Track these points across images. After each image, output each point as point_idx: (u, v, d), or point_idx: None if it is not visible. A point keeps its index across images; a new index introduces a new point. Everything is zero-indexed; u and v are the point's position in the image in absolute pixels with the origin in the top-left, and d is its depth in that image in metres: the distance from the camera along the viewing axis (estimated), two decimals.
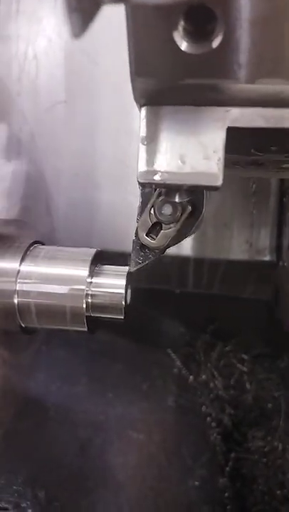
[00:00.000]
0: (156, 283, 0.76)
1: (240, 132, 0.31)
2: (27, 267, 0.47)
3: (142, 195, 0.40)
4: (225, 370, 0.78)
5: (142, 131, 0.31)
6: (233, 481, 0.69)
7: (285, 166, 0.42)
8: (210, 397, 0.75)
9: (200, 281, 0.76)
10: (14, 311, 0.46)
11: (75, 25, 0.20)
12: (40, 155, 0.65)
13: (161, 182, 0.32)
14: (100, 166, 0.69)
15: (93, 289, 0.46)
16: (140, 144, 0.31)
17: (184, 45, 0.26)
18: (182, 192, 0.36)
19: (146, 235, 0.40)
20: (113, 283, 0.46)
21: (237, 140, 0.32)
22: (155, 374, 0.77)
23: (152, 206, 0.39)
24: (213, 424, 0.73)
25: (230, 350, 0.79)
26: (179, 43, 0.26)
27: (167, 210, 0.39)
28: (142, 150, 0.31)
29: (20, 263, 0.47)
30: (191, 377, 0.77)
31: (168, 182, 0.32)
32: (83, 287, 0.45)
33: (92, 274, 0.47)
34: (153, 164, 0.31)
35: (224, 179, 0.31)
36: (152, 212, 0.39)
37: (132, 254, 0.42)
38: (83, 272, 0.46)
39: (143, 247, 0.41)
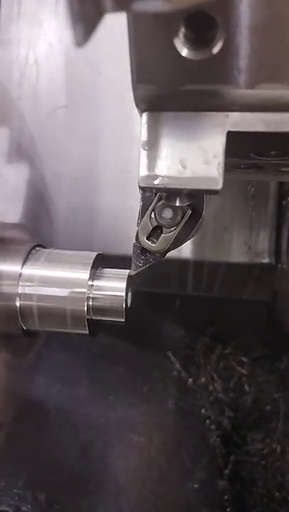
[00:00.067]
0: (156, 286, 0.76)
1: (240, 137, 0.32)
2: (29, 270, 0.47)
3: (143, 199, 0.40)
4: (224, 372, 0.78)
5: (143, 137, 0.32)
6: (233, 483, 0.69)
7: (284, 169, 0.42)
8: (209, 400, 0.75)
9: (200, 284, 0.76)
10: (16, 313, 0.46)
11: (78, 34, 0.20)
12: (40, 159, 0.65)
13: (162, 186, 0.32)
14: (101, 171, 0.69)
15: (94, 292, 0.46)
16: (141, 149, 0.32)
17: (184, 52, 0.27)
18: (182, 196, 0.36)
19: (146, 239, 0.41)
20: (114, 286, 0.47)
21: (237, 144, 0.33)
22: (155, 377, 0.77)
23: (153, 210, 0.40)
24: (213, 426, 0.73)
25: (230, 352, 0.79)
26: (179, 50, 0.27)
27: (168, 214, 0.39)
28: (143, 155, 0.32)
29: (22, 266, 0.47)
30: (190, 379, 0.77)
31: (168, 186, 0.32)
32: (84, 290, 0.46)
33: (93, 277, 0.47)
34: (154, 169, 0.32)
35: (224, 183, 0.32)
36: (153, 216, 0.40)
37: (132, 258, 0.42)
38: (84, 275, 0.46)
39: (144, 250, 0.42)
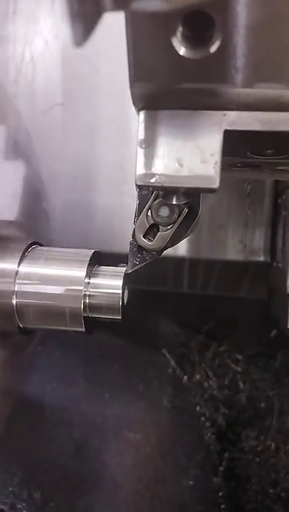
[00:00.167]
0: (152, 284, 0.76)
1: (236, 136, 0.32)
2: (25, 268, 0.47)
3: (140, 197, 0.40)
4: (219, 370, 0.78)
5: (140, 135, 0.32)
6: (227, 480, 0.69)
7: (280, 168, 0.42)
8: (204, 397, 0.76)
9: (195, 282, 0.76)
10: (12, 311, 0.46)
11: (77, 34, 0.20)
12: (37, 157, 0.65)
13: (159, 185, 0.32)
14: (97, 168, 0.69)
15: (91, 290, 0.46)
16: (138, 148, 0.32)
17: (182, 50, 0.27)
18: (179, 194, 0.36)
19: (143, 237, 0.41)
20: (110, 284, 0.47)
21: (234, 143, 0.33)
22: (151, 375, 0.78)
23: (149, 208, 0.40)
24: (208, 424, 0.73)
25: (225, 350, 0.80)
26: (177, 48, 0.27)
27: (164, 212, 0.39)
28: (140, 153, 0.32)
29: (19, 264, 0.47)
30: (185, 377, 0.77)
31: (165, 185, 0.32)
32: (81, 288, 0.46)
33: (89, 275, 0.47)
34: (151, 167, 0.32)
35: (221, 181, 0.32)
36: (149, 214, 0.40)
37: (129, 256, 0.42)
38: (81, 272, 0.46)
39: (140, 248, 0.42)
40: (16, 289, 0.46)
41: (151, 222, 0.40)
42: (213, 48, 0.27)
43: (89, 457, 0.69)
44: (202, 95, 0.30)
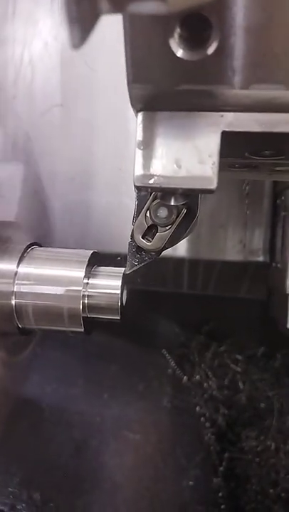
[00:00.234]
0: (152, 284, 0.76)
1: (234, 137, 0.32)
2: (24, 269, 0.47)
3: (138, 198, 0.41)
4: (219, 370, 0.78)
5: (138, 136, 0.32)
6: (227, 480, 0.69)
7: (278, 168, 0.43)
8: (204, 398, 0.76)
9: (195, 282, 0.77)
10: (11, 312, 0.47)
11: (74, 37, 0.20)
12: (36, 158, 0.65)
13: (157, 186, 0.32)
14: (96, 169, 0.69)
15: (89, 290, 0.47)
16: (136, 149, 0.32)
17: (179, 52, 0.27)
18: (177, 195, 0.36)
19: (142, 238, 0.41)
20: (109, 284, 0.47)
21: (231, 144, 0.33)
22: (151, 375, 0.78)
23: (148, 209, 0.40)
24: (208, 424, 0.73)
25: (225, 350, 0.80)
26: (174, 50, 0.27)
27: (163, 213, 0.39)
28: (138, 154, 0.32)
29: (18, 265, 0.47)
30: (185, 377, 0.77)
31: (164, 186, 0.32)
32: (80, 288, 0.46)
33: (88, 276, 0.47)
34: (149, 168, 0.32)
35: (218, 182, 0.32)
36: (148, 215, 0.40)
37: (128, 257, 0.43)
38: (79, 273, 0.47)
39: (139, 249, 0.42)
40: (15, 290, 0.47)
41: (150, 222, 0.40)
42: (210, 50, 0.27)
43: (88, 458, 0.69)
44: (200, 96, 0.30)
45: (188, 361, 0.80)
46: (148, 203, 0.40)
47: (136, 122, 0.32)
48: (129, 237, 0.42)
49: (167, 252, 0.43)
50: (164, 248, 0.41)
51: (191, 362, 0.79)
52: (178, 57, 0.27)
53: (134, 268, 0.43)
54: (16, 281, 0.47)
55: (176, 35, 0.26)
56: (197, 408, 0.75)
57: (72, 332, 0.47)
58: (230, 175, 0.45)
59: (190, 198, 0.37)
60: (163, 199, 0.38)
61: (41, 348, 0.70)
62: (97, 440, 0.70)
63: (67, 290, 0.46)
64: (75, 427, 0.71)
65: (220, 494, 0.68)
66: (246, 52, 0.27)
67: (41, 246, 0.52)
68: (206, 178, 0.31)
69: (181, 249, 0.71)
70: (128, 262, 0.43)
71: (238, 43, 0.27)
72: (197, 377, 0.78)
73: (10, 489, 0.63)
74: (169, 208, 0.39)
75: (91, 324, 0.48)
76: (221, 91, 0.29)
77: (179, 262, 0.74)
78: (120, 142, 0.68)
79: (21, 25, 0.69)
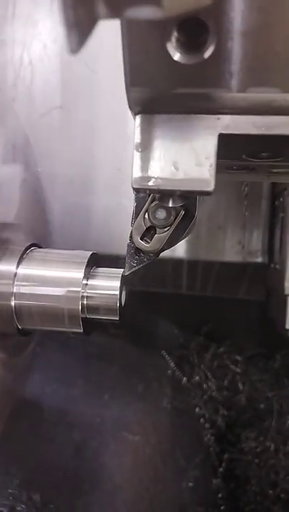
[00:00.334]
0: (151, 285, 0.76)
1: (231, 139, 0.32)
2: (24, 270, 0.48)
3: (136, 200, 0.41)
4: (218, 371, 0.79)
5: (137, 139, 0.32)
6: (227, 481, 0.69)
7: (275, 170, 0.43)
8: (204, 399, 0.76)
9: (194, 284, 0.77)
10: (11, 313, 0.47)
11: (72, 41, 0.20)
12: (35, 160, 0.65)
13: (155, 188, 0.33)
14: (95, 171, 0.70)
15: (88, 291, 0.47)
16: (134, 151, 0.32)
17: (176, 56, 0.27)
18: (175, 197, 0.37)
19: (140, 239, 0.41)
20: (108, 285, 0.47)
21: (229, 146, 0.33)
22: (150, 376, 0.78)
23: (146, 211, 0.40)
24: (207, 425, 0.73)
25: (224, 351, 0.80)
26: (172, 54, 0.27)
27: (161, 214, 0.40)
28: (137, 157, 0.32)
29: (17, 266, 0.48)
30: (184, 378, 0.77)
31: (161, 188, 0.32)
32: (79, 289, 0.46)
33: (87, 277, 0.47)
34: (147, 170, 0.32)
35: (217, 184, 0.32)
36: (146, 216, 0.40)
37: (126, 258, 0.43)
38: (78, 274, 0.47)
39: (137, 250, 0.42)
40: (14, 291, 0.47)
41: (149, 224, 0.41)
42: (207, 54, 0.27)
43: (88, 459, 0.69)
44: (197, 100, 0.30)
45: (188, 362, 0.80)
46: (146, 204, 0.40)
47: (134, 125, 0.33)
48: (128, 238, 0.42)
49: (166, 253, 0.43)
50: (163, 249, 0.42)
51: (190, 363, 0.79)
52: (175, 61, 0.27)
53: (133, 269, 0.43)
54: (16, 283, 0.47)
55: (173, 39, 0.27)
56: (197, 409, 0.75)
57: (72, 333, 0.48)
58: (228, 177, 0.46)
59: (188, 199, 0.38)
60: (161, 201, 0.38)
61: (41, 349, 0.71)
62: (96, 441, 0.70)
63: (67, 291, 0.46)
64: (74, 428, 0.71)
65: (219, 495, 0.68)
66: (243, 56, 0.28)
67: (41, 247, 0.52)
68: (203, 180, 0.32)
69: (180, 250, 0.71)
70: (127, 264, 0.43)
71: (235, 47, 0.27)
72: (196, 378, 0.78)
73: (10, 490, 0.63)
74: (167, 209, 0.40)
75: (90, 325, 0.48)
76: (218, 94, 0.29)
77: (177, 263, 0.74)
78: (120, 144, 0.68)
79: (21, 26, 0.69)
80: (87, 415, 0.73)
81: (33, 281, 0.47)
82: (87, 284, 0.47)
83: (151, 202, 0.40)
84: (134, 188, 0.33)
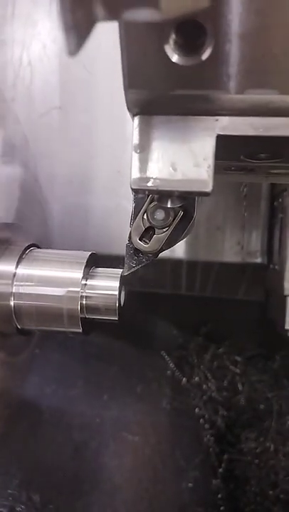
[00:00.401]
0: (150, 286, 0.77)
1: (229, 140, 0.32)
2: (23, 270, 0.48)
3: (135, 200, 0.41)
4: (218, 372, 0.79)
5: (135, 140, 0.33)
6: (227, 482, 0.69)
7: (273, 171, 0.43)
8: (203, 399, 0.76)
9: (193, 284, 0.77)
10: (10, 313, 0.47)
11: (70, 43, 0.21)
12: (34, 160, 0.66)
13: (154, 188, 0.33)
14: (95, 171, 0.70)
15: (88, 291, 0.47)
16: (133, 152, 0.33)
17: (174, 58, 0.27)
18: (174, 198, 0.37)
19: (139, 240, 0.41)
20: (107, 285, 0.47)
21: (227, 147, 0.33)
22: (150, 377, 0.78)
23: (145, 211, 0.40)
24: (207, 425, 0.74)
25: (223, 352, 0.80)
26: (170, 56, 0.27)
27: (160, 215, 0.40)
28: (135, 158, 0.33)
29: (17, 266, 0.48)
30: (184, 379, 0.78)
31: (160, 188, 0.33)
32: (78, 289, 0.46)
33: (86, 277, 0.48)
34: (145, 171, 0.32)
35: (215, 184, 0.32)
36: (145, 217, 0.41)
37: (125, 258, 0.43)
38: (78, 274, 0.47)
39: (136, 251, 0.42)
40: (13, 291, 0.47)
41: (147, 225, 0.41)
42: (204, 56, 0.27)
43: (88, 459, 0.69)
44: (195, 101, 0.30)
45: (187, 363, 0.80)
46: (145, 205, 0.40)
47: (132, 126, 0.33)
48: (127, 239, 0.42)
49: (165, 254, 0.43)
50: (161, 250, 0.42)
51: (189, 363, 0.80)
52: (173, 63, 0.27)
53: (132, 270, 0.43)
54: (15, 283, 0.47)
55: (171, 42, 0.27)
56: (196, 410, 0.75)
57: (71, 333, 0.48)
58: (227, 177, 0.46)
59: (186, 200, 0.38)
60: (160, 201, 0.38)
61: (40, 350, 0.71)
62: (96, 441, 0.70)
63: (66, 291, 0.46)
64: (74, 429, 0.71)
65: (219, 496, 0.68)
66: (241, 58, 0.28)
67: (40, 247, 0.52)
68: (201, 181, 0.32)
69: (179, 250, 0.71)
70: (126, 264, 0.43)
71: (233, 49, 0.27)
72: (196, 378, 0.78)
73: (9, 491, 0.63)
74: (166, 210, 0.40)
75: (89, 325, 0.48)
76: (216, 96, 0.30)
77: (177, 263, 0.74)
78: (118, 145, 0.68)
79: (20, 26, 0.69)
80: (86, 416, 0.73)
81: (33, 282, 0.47)
82: (86, 284, 0.47)
83: (150, 203, 0.40)
84: (132, 189, 0.33)
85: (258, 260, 0.72)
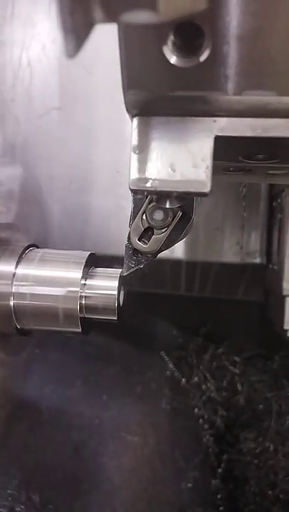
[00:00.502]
0: (149, 286, 0.77)
1: (227, 141, 0.33)
2: (22, 270, 0.48)
3: (134, 201, 0.41)
4: (217, 372, 0.79)
5: (134, 141, 0.33)
6: (226, 482, 0.69)
7: (272, 172, 0.43)
8: (202, 399, 0.76)
9: (192, 284, 0.77)
10: (10, 312, 0.47)
11: (69, 45, 0.21)
12: (34, 161, 0.66)
13: (152, 189, 0.33)
14: (94, 172, 0.70)
15: (87, 291, 0.47)
16: (132, 153, 0.33)
17: (173, 59, 0.28)
18: (173, 198, 0.37)
19: (138, 240, 0.42)
20: (106, 285, 0.47)
21: (225, 148, 0.34)
22: (149, 377, 0.78)
23: (144, 212, 0.41)
24: (206, 426, 0.74)
25: (223, 352, 0.80)
26: (168, 57, 0.28)
27: (158, 215, 0.40)
28: (134, 158, 0.33)
29: (16, 266, 0.48)
30: (183, 379, 0.78)
31: (159, 189, 0.33)
32: (77, 289, 0.46)
33: (85, 277, 0.48)
34: (144, 172, 0.33)
35: (214, 185, 0.33)
36: (144, 217, 0.41)
37: (124, 259, 0.43)
38: (77, 274, 0.47)
39: (135, 251, 0.42)
40: (13, 291, 0.47)
41: (146, 225, 0.41)
42: (203, 57, 0.27)
43: (87, 459, 0.69)
44: (193, 102, 0.30)
45: (187, 363, 0.80)
46: (144, 206, 0.40)
47: (131, 127, 0.33)
48: (126, 239, 0.43)
49: (164, 254, 0.43)
50: (160, 250, 0.42)
51: (189, 364, 0.80)
52: (171, 64, 0.28)
53: (131, 270, 0.43)
54: (15, 283, 0.47)
55: (169, 43, 0.27)
56: (195, 410, 0.75)
57: (70, 332, 0.48)
58: (226, 178, 0.46)
59: (185, 200, 0.38)
60: (158, 202, 0.39)
61: (40, 349, 0.71)
62: (95, 442, 0.70)
63: (65, 291, 0.46)
64: (73, 429, 0.71)
65: (218, 496, 0.68)
66: (239, 60, 0.28)
67: (39, 247, 0.53)
68: (199, 182, 0.32)
69: (178, 251, 0.72)
70: (125, 264, 0.43)
71: (231, 51, 0.28)
72: (195, 379, 0.78)
73: (9, 491, 0.63)
74: (165, 210, 0.40)
75: (88, 325, 0.48)
76: (214, 97, 0.30)
77: (176, 263, 0.74)
78: (118, 145, 0.68)
79: (20, 26, 0.69)
80: (85, 416, 0.73)
81: (32, 281, 0.47)
82: (85, 284, 0.47)
83: (149, 203, 0.40)
84: (131, 190, 0.34)
85: (257, 260, 0.72)
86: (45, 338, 0.68)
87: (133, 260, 0.43)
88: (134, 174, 0.33)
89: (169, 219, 0.40)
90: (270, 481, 0.69)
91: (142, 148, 0.32)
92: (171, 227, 0.40)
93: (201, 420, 0.74)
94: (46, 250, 0.51)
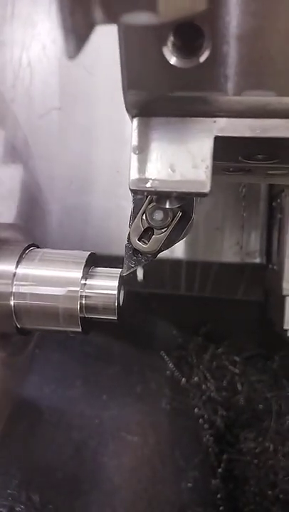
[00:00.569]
0: (149, 286, 0.77)
1: (227, 141, 0.33)
2: (23, 270, 0.48)
3: (134, 201, 0.41)
4: (217, 372, 0.79)
5: (134, 141, 0.33)
6: (226, 482, 0.70)
7: (271, 172, 0.43)
8: (202, 399, 0.76)
9: (192, 284, 0.77)
10: (10, 312, 0.47)
11: (69, 46, 0.21)
12: (34, 161, 0.66)
13: (152, 189, 0.33)
14: (94, 172, 0.70)
15: (87, 291, 0.47)
16: (132, 153, 0.33)
17: (173, 60, 0.28)
18: (172, 199, 0.37)
19: (138, 240, 0.42)
20: (106, 285, 0.47)
21: (225, 149, 0.34)
22: (149, 377, 0.78)
23: (144, 212, 0.41)
24: (206, 425, 0.74)
25: (223, 352, 0.80)
26: (168, 58, 0.28)
27: (158, 215, 0.40)
28: (134, 159, 0.33)
29: (17, 266, 0.48)
30: (183, 379, 0.78)
31: (158, 189, 0.33)
32: (77, 289, 0.46)
33: (85, 276, 0.48)
34: (144, 172, 0.33)
35: (214, 185, 0.33)
36: (144, 217, 0.41)
37: (124, 259, 0.43)
38: (77, 273, 0.47)
39: (135, 251, 0.43)
40: (13, 291, 0.47)
41: (146, 225, 0.41)
42: (202, 58, 0.27)
43: (87, 459, 0.69)
44: (193, 103, 0.30)
45: (187, 363, 0.80)
46: (144, 206, 0.41)
47: (131, 127, 0.33)
48: (126, 239, 0.43)
49: (164, 254, 0.43)
50: (160, 250, 0.42)
51: (189, 364, 0.80)
52: (171, 65, 0.28)
53: (131, 270, 0.43)
54: (15, 282, 0.47)
55: (169, 44, 0.27)
56: (195, 410, 0.75)
57: (70, 332, 0.48)
58: (226, 178, 0.46)
59: (185, 201, 0.38)
60: (158, 202, 0.39)
61: (40, 349, 0.71)
62: (95, 441, 0.71)
63: (65, 291, 0.46)
64: (73, 429, 0.71)
65: (218, 496, 0.68)
66: (238, 60, 0.28)
67: (39, 247, 0.53)
68: (199, 182, 0.32)
69: (178, 251, 0.72)
70: (125, 264, 0.43)
71: (231, 51, 0.28)
72: (195, 378, 0.78)
73: (9, 491, 0.63)
74: (165, 210, 0.40)
75: (88, 324, 0.48)
76: (213, 97, 0.30)
77: (176, 263, 0.74)
78: (118, 145, 0.68)
79: (20, 26, 0.69)
80: (86, 416, 0.73)
81: (32, 281, 0.47)
82: (85, 283, 0.47)
83: (149, 203, 0.40)
84: (131, 190, 0.34)
85: (257, 260, 0.72)
86: (45, 337, 0.68)
87: (133, 260, 0.43)
88: (134, 174, 0.33)
89: (169, 219, 0.40)
90: (270, 481, 0.69)
91: (142, 149, 0.32)
92: (171, 227, 0.41)
93: (201, 420, 0.74)
94: (46, 250, 0.51)
